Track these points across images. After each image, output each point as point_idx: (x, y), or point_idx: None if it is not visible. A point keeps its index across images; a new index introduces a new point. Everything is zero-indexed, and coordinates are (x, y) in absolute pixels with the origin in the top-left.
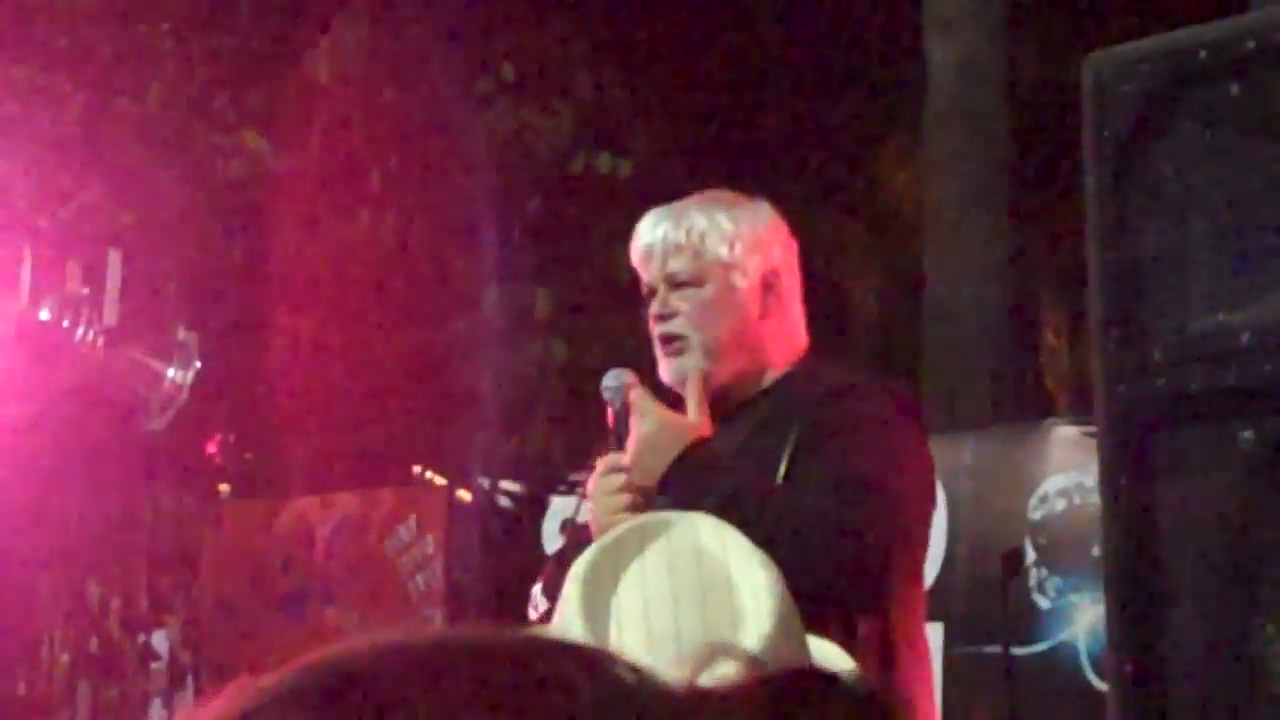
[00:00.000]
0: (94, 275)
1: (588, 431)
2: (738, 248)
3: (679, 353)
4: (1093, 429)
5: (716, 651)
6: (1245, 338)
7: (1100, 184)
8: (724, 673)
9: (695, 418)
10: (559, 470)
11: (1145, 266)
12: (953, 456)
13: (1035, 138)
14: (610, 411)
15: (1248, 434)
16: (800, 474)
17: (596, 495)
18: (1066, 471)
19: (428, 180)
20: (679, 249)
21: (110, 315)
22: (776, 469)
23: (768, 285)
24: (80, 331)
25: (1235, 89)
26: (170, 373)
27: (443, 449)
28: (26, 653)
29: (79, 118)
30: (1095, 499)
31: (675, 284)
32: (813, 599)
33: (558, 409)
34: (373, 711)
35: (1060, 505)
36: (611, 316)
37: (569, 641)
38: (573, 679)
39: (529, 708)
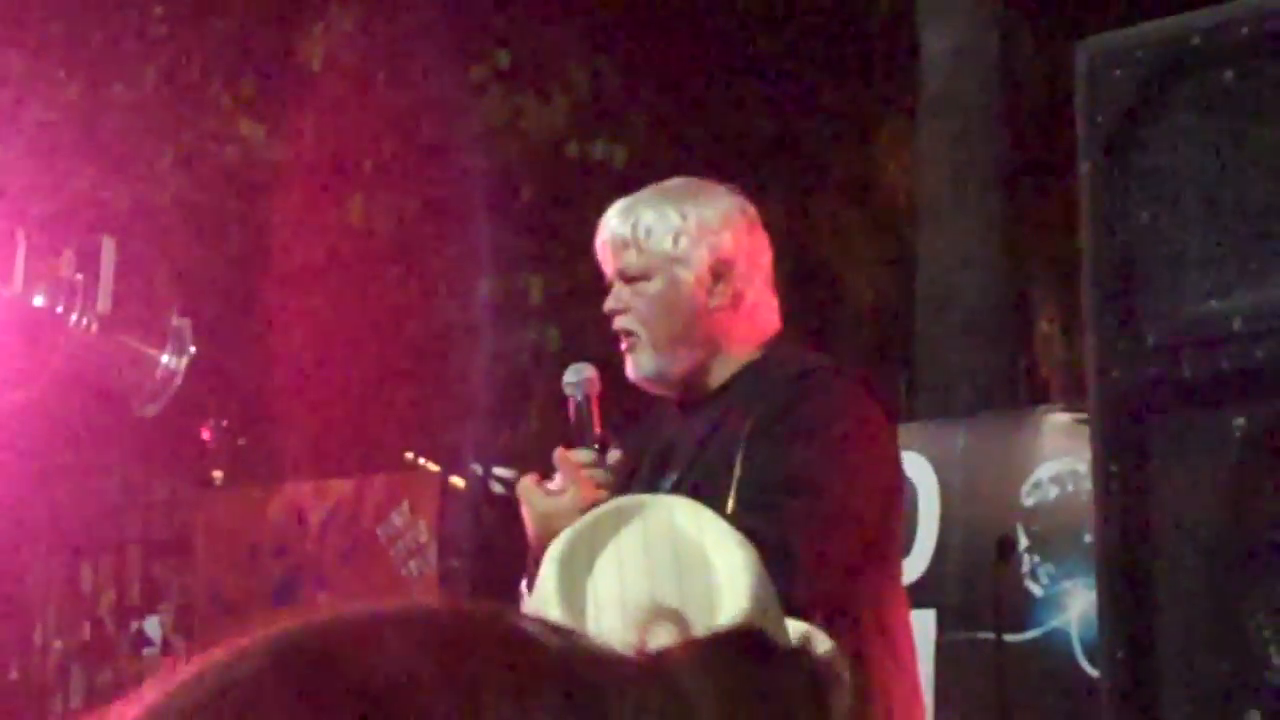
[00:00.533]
0: (88, 261)
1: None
2: (682, 241)
3: (632, 349)
4: (1086, 416)
5: (657, 616)
6: (1238, 323)
7: (1094, 170)
8: (663, 638)
9: (579, 494)
10: (552, 457)
11: (1138, 252)
12: (945, 443)
13: (1029, 125)
14: (571, 405)
15: (1240, 419)
16: (754, 470)
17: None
18: (1059, 458)
19: (422, 167)
20: (625, 245)
21: (104, 302)
22: (733, 463)
23: (718, 275)
24: (73, 318)
25: (1229, 75)
26: (164, 359)
27: (436, 435)
28: (19, 638)
29: (73, 104)
30: (1088, 486)
31: (626, 279)
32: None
33: (551, 396)
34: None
35: (1053, 492)
36: (604, 302)
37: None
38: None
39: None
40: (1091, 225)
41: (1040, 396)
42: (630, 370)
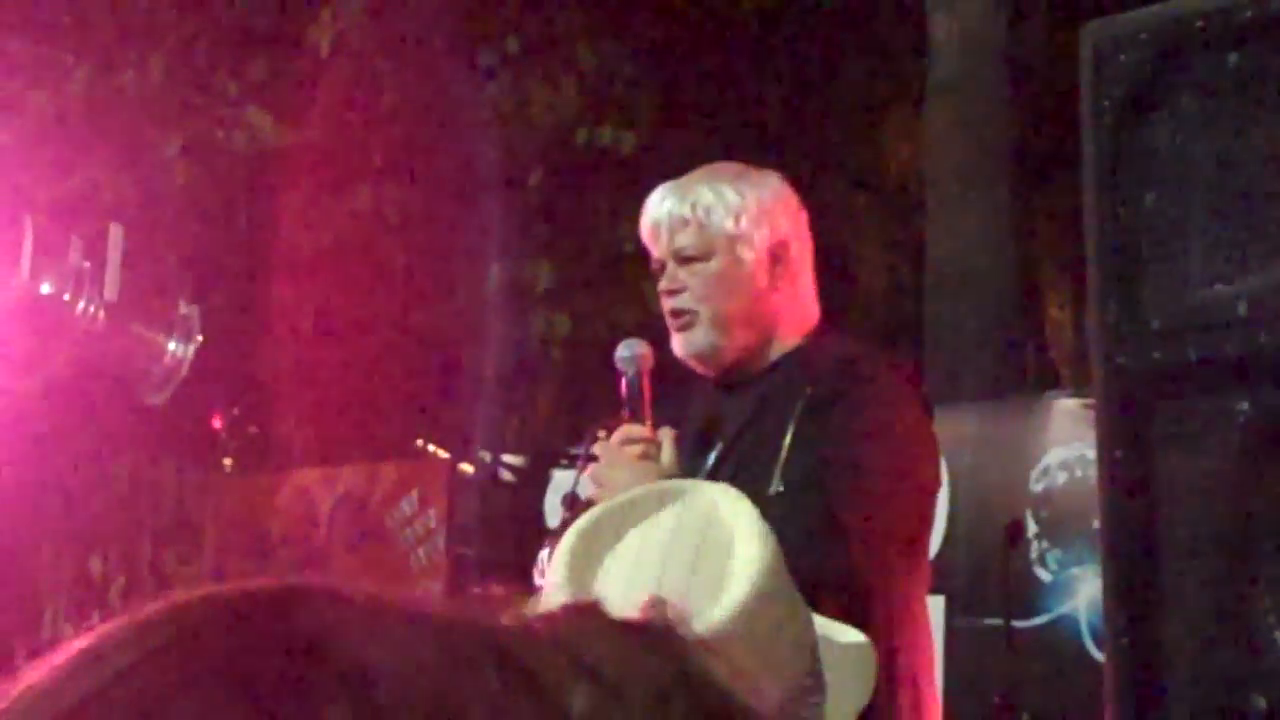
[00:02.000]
0: (95, 249)
1: (590, 405)
2: (743, 220)
3: (688, 327)
4: (1092, 401)
5: (650, 603)
6: (1243, 308)
7: (1098, 153)
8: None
9: (668, 462)
10: (561, 444)
11: (1143, 237)
12: (955, 428)
13: (1037, 109)
14: (624, 381)
15: (1245, 405)
16: (802, 450)
17: (609, 463)
18: (1068, 444)
19: (430, 153)
20: (684, 223)
21: (111, 289)
22: (781, 442)
23: (775, 257)
24: (81, 305)
25: (1234, 59)
26: (171, 346)
27: (445, 423)
28: (28, 625)
29: (81, 91)
30: (1094, 470)
31: (682, 259)
32: (816, 589)
33: (560, 383)
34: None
35: (1062, 478)
36: (614, 290)
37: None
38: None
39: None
40: (1095, 209)
41: (1050, 382)
42: (681, 347)
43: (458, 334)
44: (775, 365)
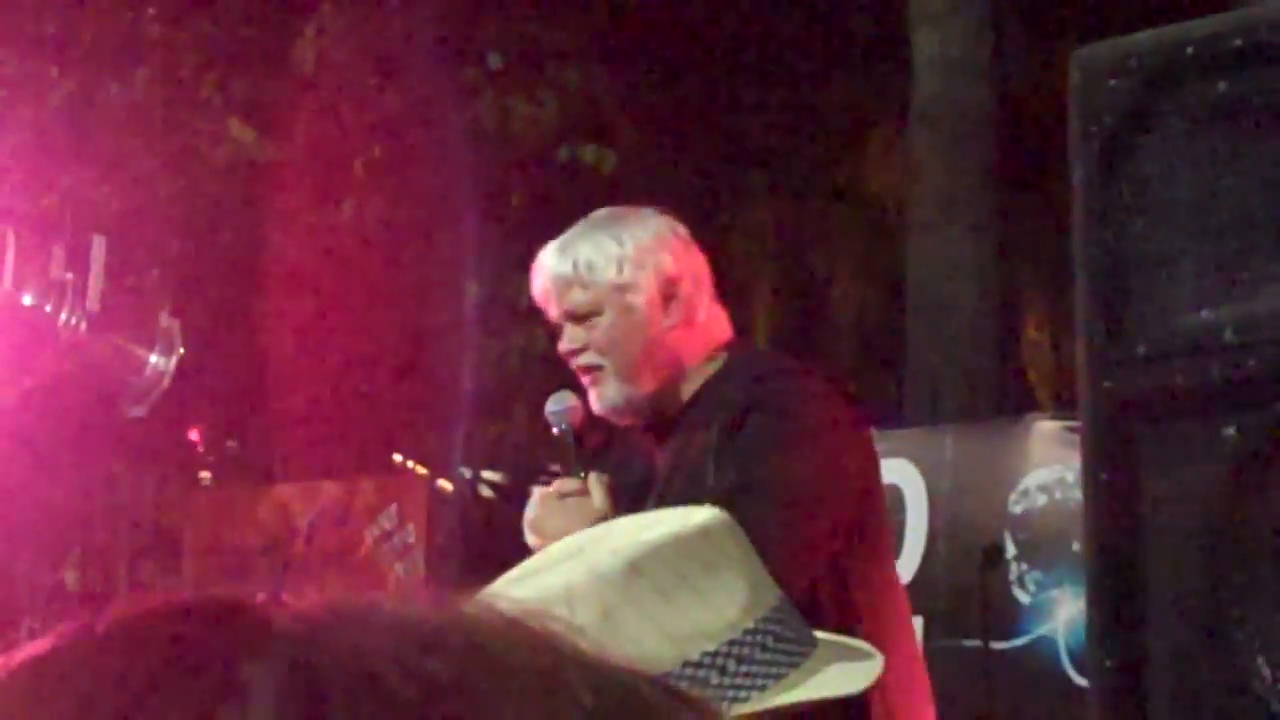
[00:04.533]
0: (78, 260)
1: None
2: (626, 268)
3: (597, 383)
4: (1074, 424)
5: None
6: (1229, 334)
7: (1087, 178)
8: None
9: (600, 505)
10: (540, 460)
11: (1130, 262)
12: (934, 450)
13: (1019, 132)
14: (556, 433)
15: (1231, 430)
16: (717, 476)
17: (542, 521)
18: (1047, 466)
19: (412, 169)
20: (570, 283)
21: (94, 301)
22: (704, 476)
23: (667, 295)
24: (63, 317)
25: (1222, 85)
26: (153, 359)
27: (425, 438)
28: (2, 635)
29: (65, 103)
30: (1076, 494)
31: (577, 318)
32: None
33: (540, 399)
34: None
35: (1041, 500)
36: None
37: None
38: None
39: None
40: (1084, 234)
41: (1028, 404)
42: (597, 404)
43: (438, 349)
44: (693, 401)
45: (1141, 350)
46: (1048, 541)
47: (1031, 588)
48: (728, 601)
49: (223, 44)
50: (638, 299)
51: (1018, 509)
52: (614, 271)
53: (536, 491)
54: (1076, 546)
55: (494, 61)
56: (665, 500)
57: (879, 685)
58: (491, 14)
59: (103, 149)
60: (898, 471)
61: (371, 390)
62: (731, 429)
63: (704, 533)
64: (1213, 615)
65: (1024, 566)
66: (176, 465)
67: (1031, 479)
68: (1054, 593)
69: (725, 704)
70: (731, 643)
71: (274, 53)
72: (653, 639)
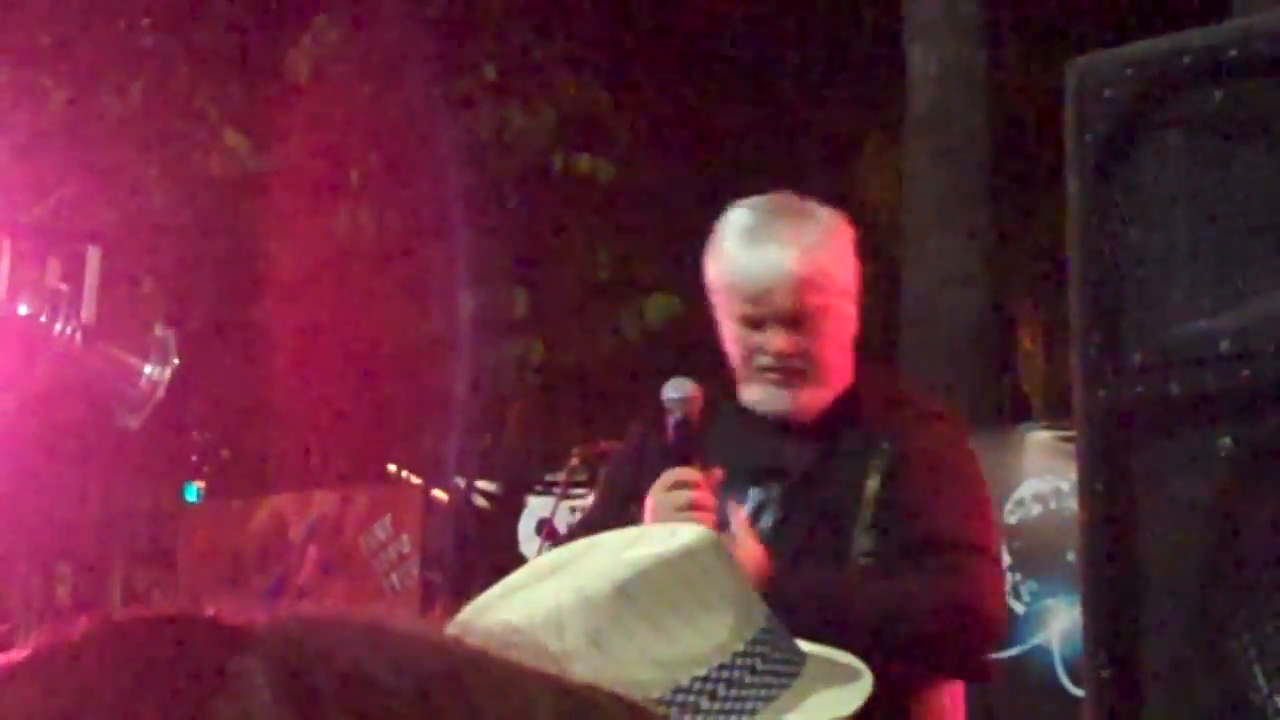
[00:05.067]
0: (73, 271)
1: (564, 432)
2: (844, 273)
3: (796, 385)
4: (1068, 434)
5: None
6: (1225, 344)
7: (1082, 188)
8: None
9: (750, 549)
10: (535, 470)
11: (1126, 271)
12: None
13: (1013, 142)
14: (671, 421)
15: (1226, 440)
16: (888, 511)
17: (659, 508)
18: (1042, 476)
19: (408, 179)
20: (808, 286)
21: (89, 311)
22: (860, 498)
23: (858, 301)
24: (58, 327)
25: (1218, 95)
26: (148, 370)
27: (420, 448)
28: None
29: (60, 113)
30: (1070, 504)
31: (792, 321)
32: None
33: (535, 409)
34: None
35: (1035, 510)
36: (589, 317)
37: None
38: None
39: None
40: (1079, 244)
41: (1023, 414)
42: (792, 405)
43: (433, 360)
44: (834, 408)
45: (1137, 360)
46: (1042, 551)
47: (1026, 598)
48: (716, 624)
49: (218, 54)
50: (850, 307)
51: (1013, 519)
52: (845, 276)
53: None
54: (1071, 556)
55: (489, 72)
56: (794, 504)
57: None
58: (487, 24)
59: (98, 159)
60: None
61: (366, 400)
62: (897, 464)
63: (689, 553)
64: (1209, 626)
65: (1019, 576)
66: (171, 476)
67: (1026, 489)
68: (1049, 602)
69: None
70: (721, 666)
71: (269, 63)
72: (642, 665)
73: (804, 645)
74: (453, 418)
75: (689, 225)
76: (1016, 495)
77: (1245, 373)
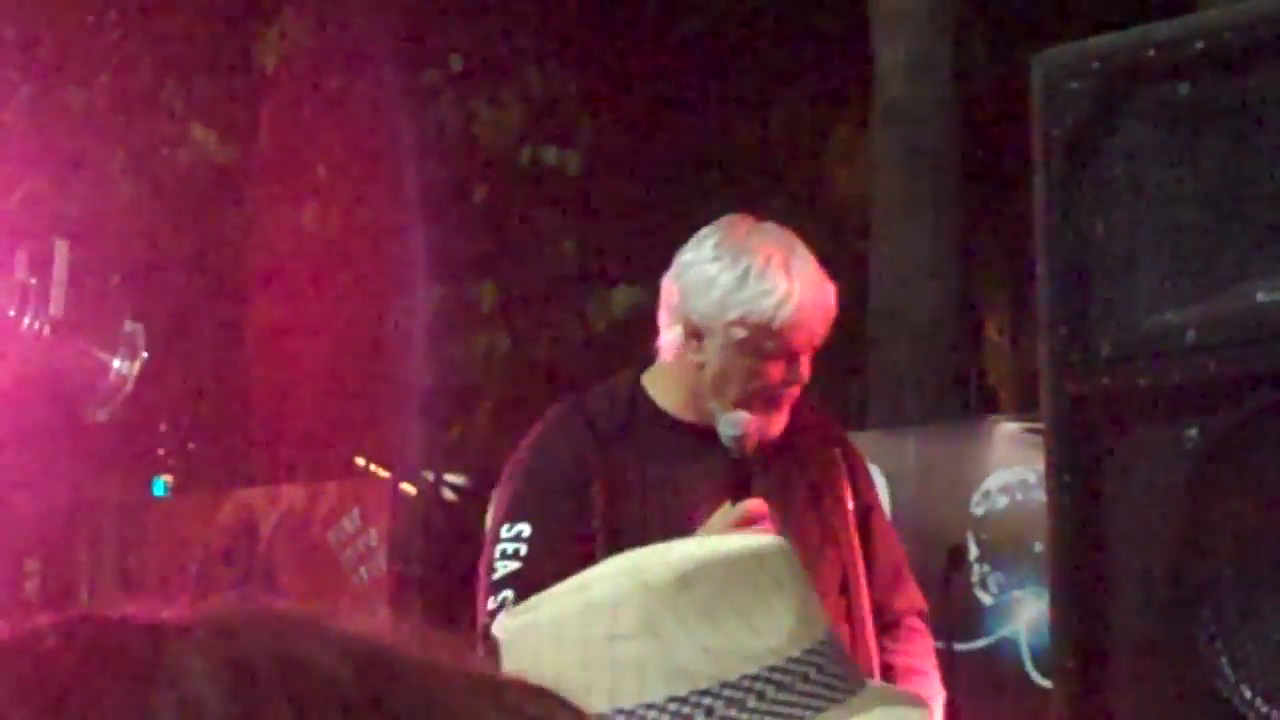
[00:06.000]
0: (41, 264)
1: (532, 425)
2: None
3: (788, 410)
4: (1035, 425)
5: None
6: (1191, 336)
7: (1049, 181)
8: None
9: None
10: (503, 463)
11: (1093, 264)
12: (896, 452)
13: (980, 134)
14: (727, 455)
15: (1193, 431)
16: (859, 514)
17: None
18: (1009, 467)
19: (374, 172)
20: (825, 319)
21: (57, 305)
22: (844, 503)
23: None
24: (27, 321)
25: (1184, 88)
26: (116, 363)
27: (388, 441)
28: None
29: (26, 107)
30: (1038, 495)
31: (812, 349)
32: None
33: (502, 402)
34: None
35: (1003, 501)
36: (556, 309)
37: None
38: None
39: None
40: (1046, 236)
41: (989, 406)
42: (777, 429)
43: (401, 353)
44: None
45: (1104, 351)
46: (1010, 543)
47: (994, 589)
48: (773, 627)
49: (184, 47)
50: None
51: (980, 510)
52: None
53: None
54: (1039, 548)
55: (456, 64)
56: (807, 518)
57: None
58: (453, 16)
59: (64, 153)
60: None
61: (334, 393)
62: (851, 469)
63: (758, 556)
64: (1175, 616)
65: (986, 568)
66: (139, 470)
67: (994, 480)
68: (1016, 594)
69: None
70: (773, 668)
71: (235, 56)
72: (691, 653)
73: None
74: (421, 411)
75: (656, 217)
76: (984, 487)
77: (1211, 365)
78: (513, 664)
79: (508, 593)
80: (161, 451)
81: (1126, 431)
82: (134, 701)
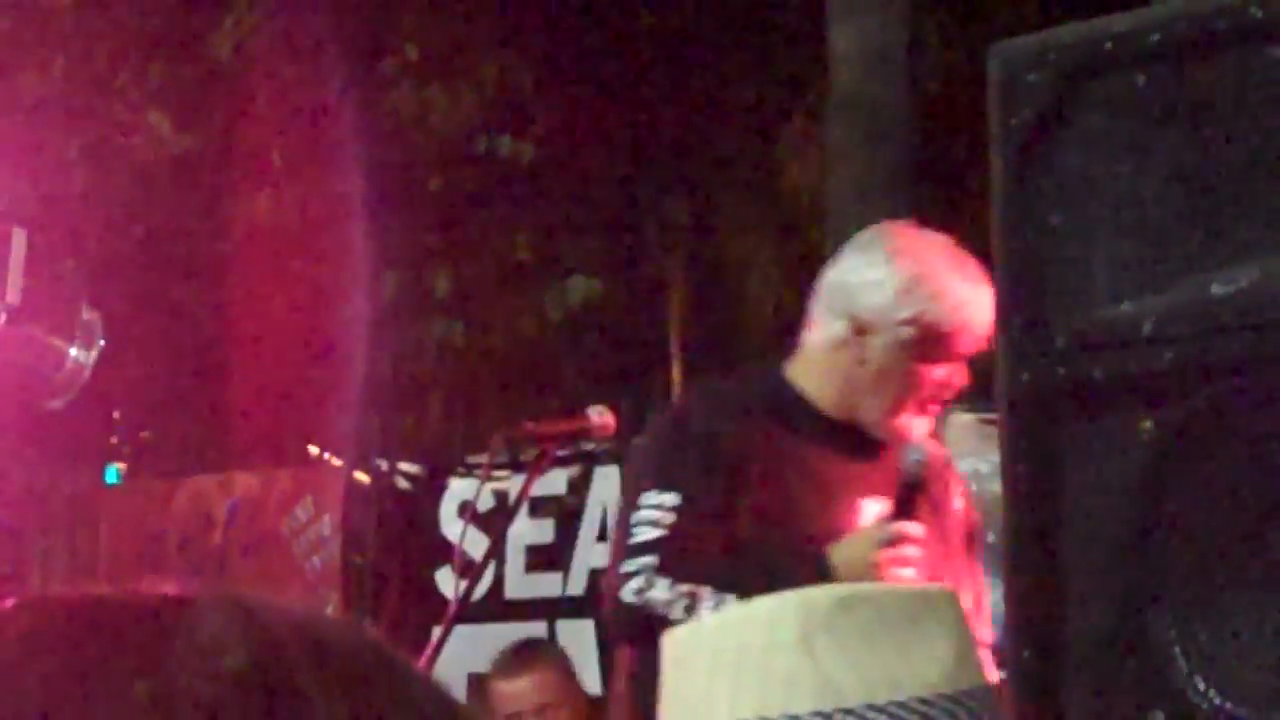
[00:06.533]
0: None
1: (486, 413)
2: None
3: (930, 416)
4: (988, 416)
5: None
6: (1147, 327)
7: (1006, 172)
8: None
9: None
10: (458, 452)
11: (1049, 255)
12: None
13: (935, 124)
14: (903, 480)
15: (1148, 422)
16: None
17: (872, 558)
18: (962, 458)
19: (330, 160)
20: (989, 328)
21: (13, 293)
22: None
23: None
24: None
25: (1141, 80)
26: (73, 352)
27: (341, 429)
28: None
29: None
30: (990, 486)
31: (967, 358)
32: None
33: (457, 391)
34: None
35: None
36: (511, 298)
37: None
38: None
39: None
40: (1002, 227)
41: None
42: (920, 435)
43: (354, 340)
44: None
45: (1060, 342)
46: None
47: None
48: (929, 663)
49: (140, 34)
50: None
51: None
52: None
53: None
54: (992, 538)
55: (411, 52)
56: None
57: None
58: (409, 5)
59: (20, 140)
60: None
61: (288, 381)
62: None
63: (924, 595)
64: (1130, 607)
65: None
66: (92, 457)
67: None
68: None
69: None
70: (922, 700)
71: (191, 42)
72: (842, 671)
73: None
74: (374, 399)
75: (609, 206)
76: None
77: (1167, 355)
78: (674, 671)
79: (649, 558)
80: (115, 439)
81: (1082, 422)
82: (156, 651)
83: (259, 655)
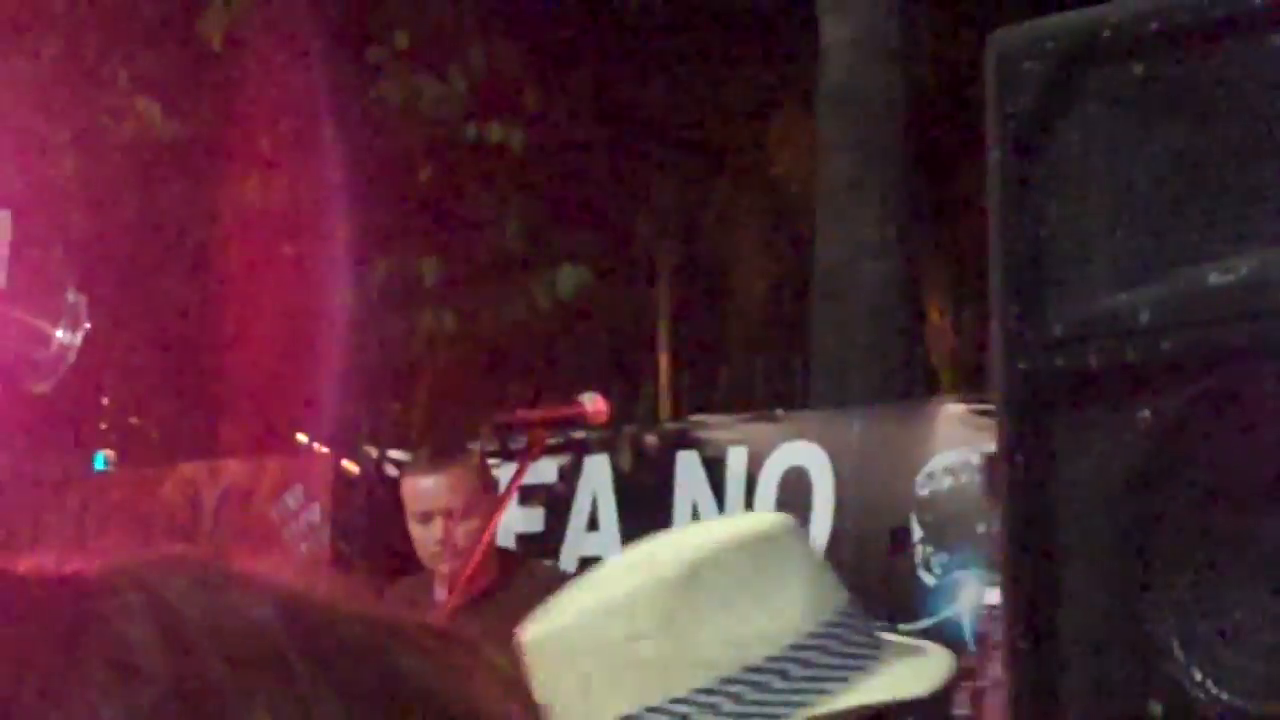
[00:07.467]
0: None
1: (476, 401)
2: None
3: None
4: (980, 406)
5: None
6: (1145, 316)
7: (1003, 161)
8: None
9: None
10: (447, 440)
11: (1046, 243)
12: (840, 432)
13: (926, 113)
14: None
15: (1146, 413)
16: None
17: None
18: (954, 448)
19: (319, 147)
20: None
21: (0, 277)
22: None
23: None
24: None
25: (1139, 68)
26: (59, 334)
27: (331, 417)
28: None
29: None
30: (980, 476)
31: None
32: None
33: (447, 378)
34: None
35: (947, 482)
36: (500, 287)
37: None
38: None
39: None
40: (999, 216)
41: (930, 387)
42: None
43: (343, 328)
44: None
45: (1057, 332)
46: (953, 524)
47: (937, 570)
48: (789, 605)
49: (129, 20)
50: None
51: (924, 492)
52: None
53: None
54: (982, 529)
55: (400, 40)
56: None
57: None
58: None
59: (8, 124)
60: (804, 454)
61: (277, 368)
62: None
63: (764, 536)
64: (1127, 598)
65: (930, 549)
66: (81, 443)
67: (938, 461)
68: (959, 575)
69: (792, 710)
70: (793, 646)
71: (181, 30)
72: (713, 644)
73: (885, 634)
74: (364, 386)
75: (598, 194)
76: (928, 468)
77: (1165, 345)
78: (537, 670)
79: None
80: (103, 426)
81: (1079, 412)
82: (65, 656)
83: (181, 670)
